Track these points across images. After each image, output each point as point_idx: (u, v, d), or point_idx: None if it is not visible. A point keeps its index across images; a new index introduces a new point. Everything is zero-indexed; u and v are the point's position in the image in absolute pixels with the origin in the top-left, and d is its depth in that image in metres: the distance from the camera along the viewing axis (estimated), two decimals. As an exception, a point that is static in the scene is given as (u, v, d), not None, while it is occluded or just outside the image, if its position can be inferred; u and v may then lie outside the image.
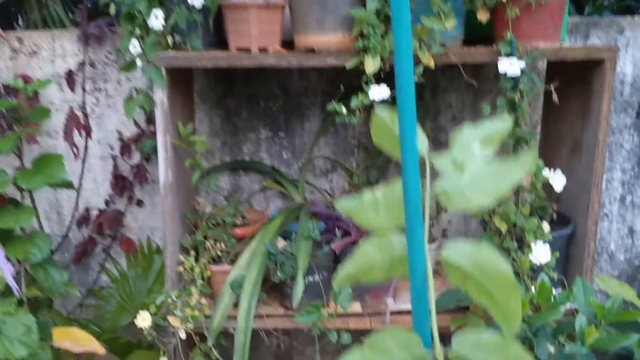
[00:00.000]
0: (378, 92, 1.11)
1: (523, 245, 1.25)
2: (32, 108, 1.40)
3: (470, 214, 1.55)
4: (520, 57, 1.19)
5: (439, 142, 1.63)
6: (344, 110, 1.20)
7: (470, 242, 0.41)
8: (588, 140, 1.31)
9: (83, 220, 1.66)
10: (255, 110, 1.62)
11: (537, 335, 1.03)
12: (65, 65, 1.60)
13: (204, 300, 1.34)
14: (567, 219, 1.39)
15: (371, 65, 1.15)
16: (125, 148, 1.62)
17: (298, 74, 1.60)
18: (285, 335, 1.73)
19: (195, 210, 1.50)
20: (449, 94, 1.61)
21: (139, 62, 1.22)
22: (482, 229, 1.39)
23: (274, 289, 1.42)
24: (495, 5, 1.21)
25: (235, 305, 1.32)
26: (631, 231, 1.69)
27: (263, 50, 1.26)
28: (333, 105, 1.20)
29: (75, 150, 1.53)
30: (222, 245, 1.40)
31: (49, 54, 1.60)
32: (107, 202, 1.67)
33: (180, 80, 1.39)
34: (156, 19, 1.24)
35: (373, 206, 0.47)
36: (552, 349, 1.14)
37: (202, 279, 1.36)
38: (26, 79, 1.45)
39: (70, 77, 1.59)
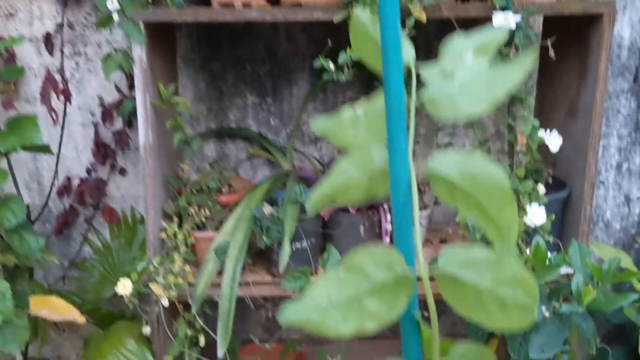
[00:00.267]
0: (366, 44, 1.06)
1: (518, 208, 1.20)
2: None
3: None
4: (515, 11, 1.14)
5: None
6: (332, 66, 1.15)
7: (460, 151, 0.36)
8: (585, 101, 1.27)
9: (64, 189, 1.61)
10: (242, 75, 1.57)
11: (531, 297, 0.99)
12: (43, 28, 1.54)
13: (187, 268, 1.29)
14: (562, 184, 1.34)
15: (360, 18, 1.09)
16: (106, 114, 1.56)
17: (286, 37, 1.54)
18: (275, 307, 1.69)
19: (179, 177, 1.45)
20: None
21: (115, 17, 1.17)
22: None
23: (260, 256, 1.37)
24: (489, -44, 1.15)
25: (220, 272, 1.28)
26: (627, 199, 1.65)
27: (247, 5, 1.20)
28: (320, 62, 1.15)
29: (53, 115, 1.47)
30: (207, 211, 1.35)
31: (26, 16, 1.54)
32: (88, 171, 1.61)
33: (161, 40, 1.33)
34: (134, -28, 1.18)
35: (353, 123, 0.42)
36: (547, 313, 1.10)
37: (186, 245, 1.31)
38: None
39: (48, 40, 1.52)
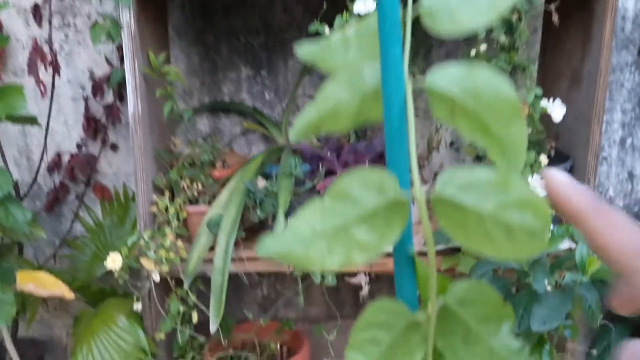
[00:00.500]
0: (364, 4, 1.02)
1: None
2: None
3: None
4: (518, -26, 1.10)
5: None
6: (328, 31, 1.11)
7: (461, 64, 0.32)
8: (589, 69, 1.22)
9: (54, 165, 1.57)
10: (236, 47, 1.52)
11: (533, 268, 0.96)
12: (31, -1, 1.49)
13: (180, 243, 1.25)
14: (565, 157, 1.31)
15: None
16: (97, 88, 1.52)
17: (281, 7, 1.49)
18: (270, 285, 1.66)
19: (171, 151, 1.41)
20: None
21: (102, -20, 1.12)
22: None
23: (254, 232, 1.33)
24: None
25: (213, 248, 1.24)
26: (631, 176, 1.61)
27: (239, -31, 1.16)
28: (316, 26, 1.11)
29: (42, 87, 1.43)
30: (199, 185, 1.31)
31: (13, -14, 1.49)
32: (79, 146, 1.57)
33: (151, 7, 1.29)
34: None
35: (343, 45, 0.38)
36: (549, 287, 1.06)
37: (178, 219, 1.27)
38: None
39: (36, 11, 1.48)
